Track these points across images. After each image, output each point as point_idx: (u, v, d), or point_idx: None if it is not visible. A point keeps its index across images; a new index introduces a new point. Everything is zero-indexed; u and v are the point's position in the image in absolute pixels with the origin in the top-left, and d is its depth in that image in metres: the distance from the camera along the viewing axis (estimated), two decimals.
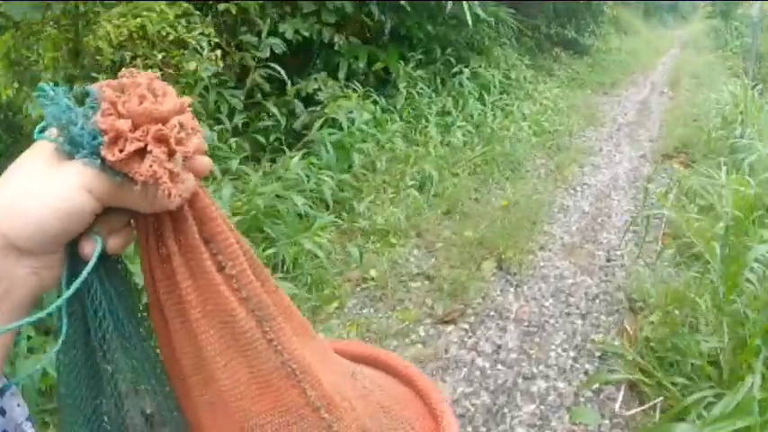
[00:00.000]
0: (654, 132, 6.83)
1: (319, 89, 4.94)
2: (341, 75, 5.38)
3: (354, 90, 4.96)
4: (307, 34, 4.81)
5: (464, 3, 5.40)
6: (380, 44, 5.97)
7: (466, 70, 5.93)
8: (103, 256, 0.42)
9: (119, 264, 0.46)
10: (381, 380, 0.61)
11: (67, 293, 0.40)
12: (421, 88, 5.37)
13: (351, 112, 4.58)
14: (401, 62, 5.45)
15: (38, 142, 0.40)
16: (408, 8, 6.16)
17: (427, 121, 5.05)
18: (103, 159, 0.38)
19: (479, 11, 5.59)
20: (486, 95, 5.94)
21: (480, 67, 6.32)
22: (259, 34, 4.53)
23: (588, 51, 12.19)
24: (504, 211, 4.16)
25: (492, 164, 4.83)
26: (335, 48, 5.16)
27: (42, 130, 0.40)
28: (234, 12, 4.27)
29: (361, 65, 5.38)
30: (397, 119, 4.96)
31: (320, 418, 0.48)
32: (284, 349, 0.47)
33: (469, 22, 5.43)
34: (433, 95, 5.50)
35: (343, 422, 0.49)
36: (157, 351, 0.49)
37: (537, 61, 9.96)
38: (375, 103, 5.00)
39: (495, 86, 6.24)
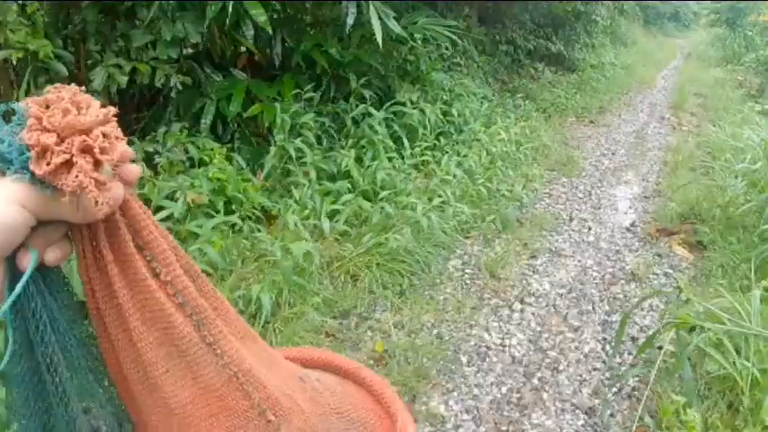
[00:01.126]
0: (649, 184, 5.09)
1: (156, 152, 3.25)
2: (204, 123, 3.69)
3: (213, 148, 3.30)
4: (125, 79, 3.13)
5: (373, 16, 3.67)
6: (270, 77, 4.28)
7: (379, 113, 4.17)
8: (44, 270, 0.43)
9: (60, 277, 0.45)
10: (332, 382, 0.59)
11: (5, 304, 0.40)
12: (304, 140, 3.63)
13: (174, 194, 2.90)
14: (283, 103, 3.74)
15: None
16: (309, 28, 4.48)
17: (292, 197, 3.30)
18: (33, 173, 0.38)
19: (393, 24, 3.85)
20: (407, 144, 4.17)
21: (410, 102, 4.58)
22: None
23: (577, 67, 10.46)
24: (377, 360, 2.42)
25: (379, 269, 2.91)
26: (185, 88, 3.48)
27: None
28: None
29: (233, 109, 3.69)
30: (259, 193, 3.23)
31: (267, 421, 0.47)
32: (224, 353, 0.47)
33: (379, 40, 3.71)
34: (320, 151, 3.74)
35: (291, 424, 0.48)
36: (102, 362, 0.48)
37: (510, 83, 8.24)
38: (241, 169, 3.34)
39: (426, 128, 4.48)
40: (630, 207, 4.55)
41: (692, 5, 27.83)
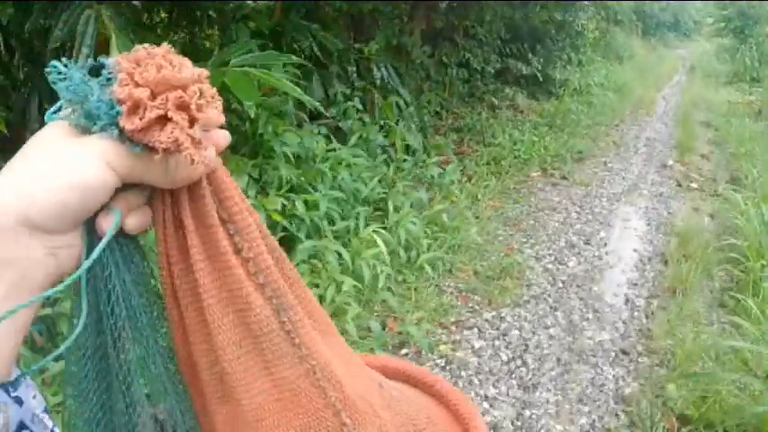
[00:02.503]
0: (631, 339, 2.82)
1: None
2: None
3: None
4: None
5: None
6: None
7: None
8: (121, 240, 0.39)
9: (136, 249, 0.41)
10: (409, 393, 0.55)
11: (83, 266, 0.36)
12: None
13: None
14: None
15: (50, 123, 0.37)
16: None
17: None
18: (122, 130, 0.35)
19: None
20: None
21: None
22: None
23: (557, 92, 8.26)
24: None
25: None
26: None
27: (54, 113, 0.38)
28: None
29: None
30: None
31: (341, 423, 0.43)
32: (303, 344, 0.42)
33: None
34: None
35: (365, 430, 0.43)
36: (170, 345, 0.43)
37: (455, 123, 6.04)
38: None
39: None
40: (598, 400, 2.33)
41: (692, 13, 25.64)
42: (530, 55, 8.35)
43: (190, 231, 0.40)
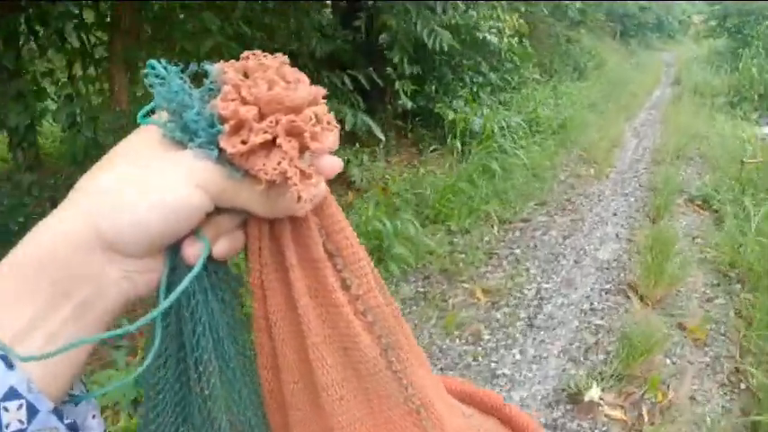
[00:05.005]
0: None
1: None
2: None
3: None
4: None
5: None
6: None
7: None
8: (209, 266, 0.34)
9: (226, 275, 0.36)
10: (481, 419, 0.52)
11: (166, 302, 0.32)
12: None
13: None
14: None
15: (143, 127, 0.33)
16: None
17: None
18: (221, 151, 0.30)
19: None
20: None
21: None
22: None
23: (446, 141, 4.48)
24: None
25: None
26: None
27: (147, 115, 0.33)
28: None
29: None
30: None
31: None
32: (411, 383, 0.39)
33: None
34: None
35: None
36: (257, 379, 0.39)
37: None
38: None
39: None
40: None
41: (677, 12, 21.90)
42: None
43: (292, 265, 0.35)
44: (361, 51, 4.55)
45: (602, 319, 2.75)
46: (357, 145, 4.28)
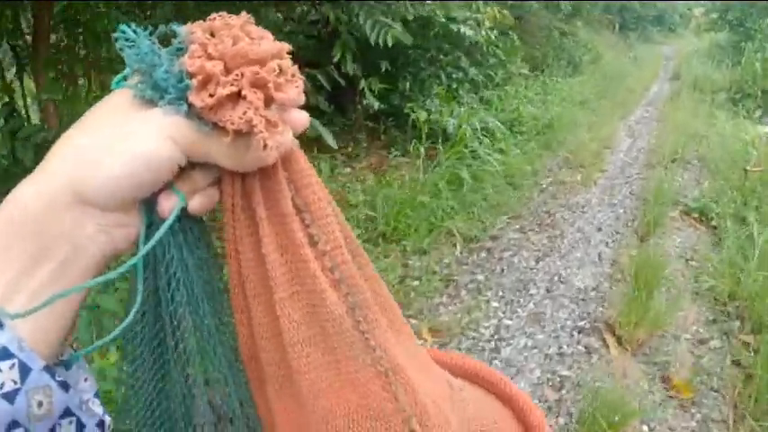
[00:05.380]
0: None
1: None
2: None
3: None
4: None
5: None
6: None
7: None
8: (185, 222, 0.35)
9: (201, 234, 0.37)
10: (478, 394, 0.50)
11: (146, 248, 0.33)
12: None
13: None
14: None
15: (115, 91, 0.34)
16: None
17: None
18: (190, 106, 0.31)
19: None
20: None
21: None
22: None
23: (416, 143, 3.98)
24: None
25: None
26: None
27: (120, 82, 0.34)
28: None
29: None
30: None
31: (410, 429, 0.38)
32: (378, 345, 0.38)
33: None
34: None
35: None
36: (233, 335, 0.39)
37: None
38: None
39: None
40: None
41: (677, 6, 21.28)
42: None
43: (261, 219, 0.36)
44: (324, 48, 4.05)
45: (569, 368, 2.26)
46: (315, 151, 3.79)
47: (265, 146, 0.31)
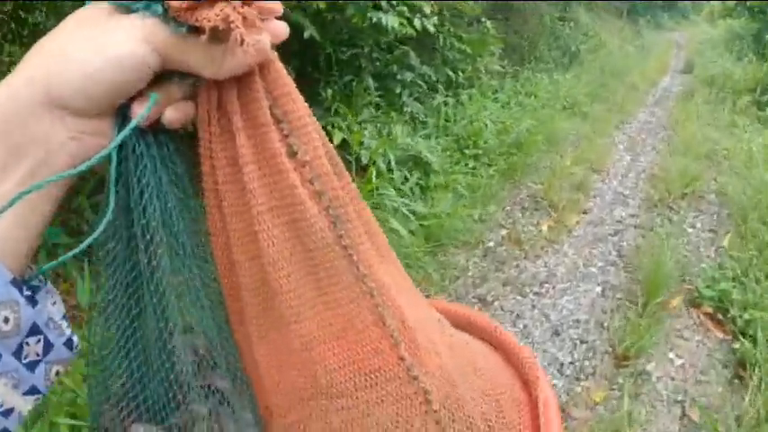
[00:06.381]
0: None
1: None
2: None
3: None
4: None
5: None
6: None
7: None
8: (161, 137, 0.34)
9: (177, 150, 0.35)
10: (468, 337, 0.48)
11: (112, 144, 0.31)
12: None
13: None
14: None
15: (90, 3, 0.32)
16: None
17: None
18: (166, 9, 0.30)
19: None
20: None
21: None
22: None
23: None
24: None
25: None
26: None
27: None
28: None
29: None
30: None
31: (399, 357, 0.36)
32: (360, 261, 0.35)
33: None
34: None
35: (425, 367, 0.36)
36: (212, 263, 0.36)
37: None
38: None
39: None
40: None
41: None
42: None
43: (238, 130, 0.34)
44: None
45: None
46: None
47: (242, 41, 0.29)
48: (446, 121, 4.08)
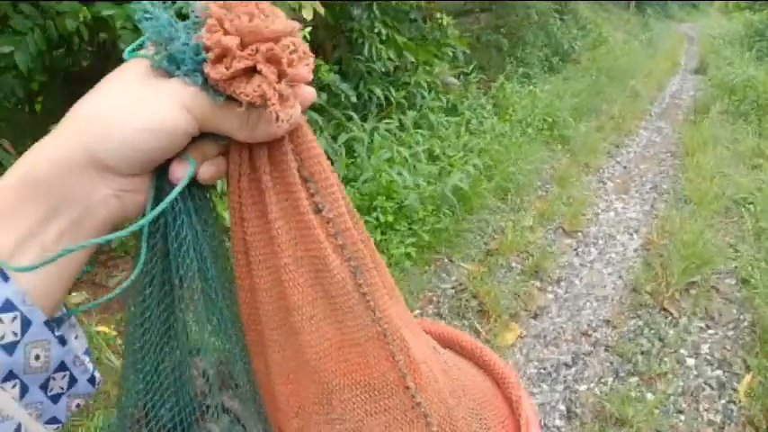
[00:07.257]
0: None
1: None
2: None
3: None
4: None
5: None
6: None
7: None
8: (192, 189, 0.36)
9: (205, 201, 0.38)
10: (458, 360, 0.53)
11: (152, 212, 0.33)
12: None
13: None
14: None
15: (130, 60, 0.34)
16: None
17: None
18: (206, 78, 0.32)
19: None
20: None
21: None
22: None
23: None
24: None
25: None
26: None
27: (134, 51, 0.35)
28: None
29: None
30: None
31: (405, 386, 0.41)
32: (377, 307, 0.40)
33: None
34: None
35: (426, 393, 0.42)
36: (237, 301, 0.40)
37: None
38: None
39: None
40: None
41: None
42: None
43: (267, 188, 0.37)
44: None
45: None
46: None
47: (277, 118, 0.31)
48: (349, 179, 2.77)
